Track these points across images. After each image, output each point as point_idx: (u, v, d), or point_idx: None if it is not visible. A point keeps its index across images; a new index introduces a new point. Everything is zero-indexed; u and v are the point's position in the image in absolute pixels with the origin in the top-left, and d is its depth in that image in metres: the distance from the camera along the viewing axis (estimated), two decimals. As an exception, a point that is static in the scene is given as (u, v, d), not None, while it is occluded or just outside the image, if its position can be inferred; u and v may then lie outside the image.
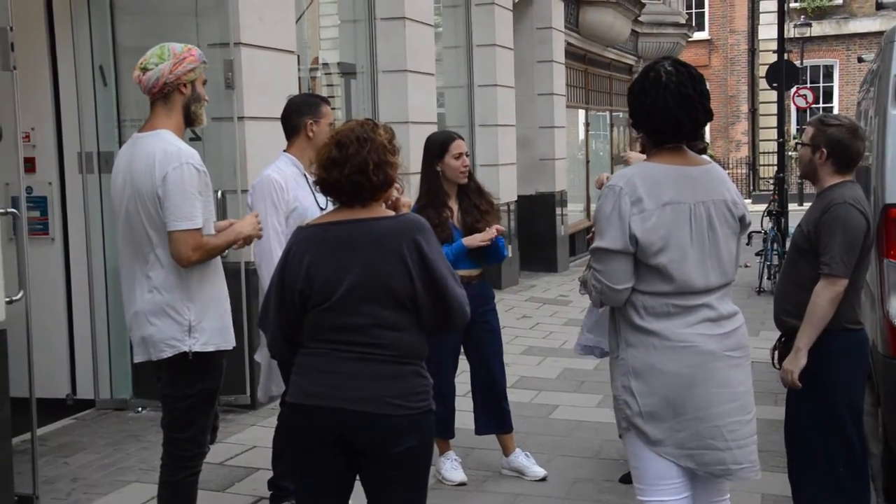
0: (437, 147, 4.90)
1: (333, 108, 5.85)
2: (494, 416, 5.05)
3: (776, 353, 3.96)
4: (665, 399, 2.97)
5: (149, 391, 6.01)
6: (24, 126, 5.74)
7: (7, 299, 4.42)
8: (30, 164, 6.26)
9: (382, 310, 2.91)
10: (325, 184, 3.01)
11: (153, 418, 5.96)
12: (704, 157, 3.72)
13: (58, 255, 6.47)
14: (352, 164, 2.92)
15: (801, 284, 3.78)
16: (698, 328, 2.99)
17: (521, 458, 5.10)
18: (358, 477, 3.06)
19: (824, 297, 3.68)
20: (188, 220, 3.44)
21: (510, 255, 11.82)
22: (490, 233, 4.79)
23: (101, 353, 6.44)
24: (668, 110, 2.96)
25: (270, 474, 4.54)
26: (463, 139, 4.99)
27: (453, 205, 4.92)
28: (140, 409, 6.30)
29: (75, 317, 6.50)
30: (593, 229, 3.25)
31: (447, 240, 4.67)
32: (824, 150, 3.81)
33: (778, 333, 4.01)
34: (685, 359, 2.96)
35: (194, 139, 5.91)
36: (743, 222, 3.11)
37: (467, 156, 4.93)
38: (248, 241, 3.76)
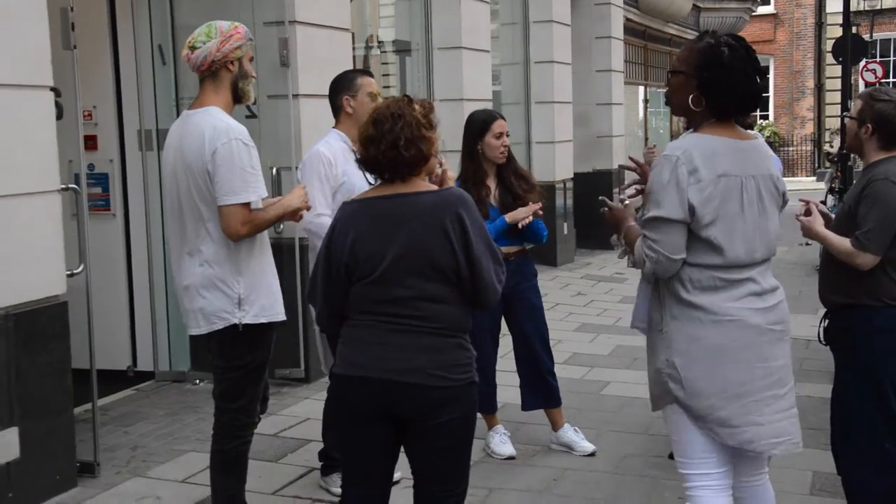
0: (478, 126, 4.92)
1: (388, 87, 5.89)
2: (540, 391, 5.07)
3: (822, 329, 3.93)
4: (709, 373, 2.97)
5: (206, 364, 6.08)
6: (85, 104, 5.89)
7: (68, 272, 4.57)
8: (91, 142, 6.40)
9: (426, 282, 2.95)
10: (365, 160, 3.07)
11: (210, 390, 6.04)
12: (751, 131, 3.71)
13: (119, 231, 6.63)
14: (386, 141, 2.97)
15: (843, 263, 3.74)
16: (744, 302, 2.99)
17: (570, 434, 5.12)
18: (403, 447, 3.12)
19: (847, 255, 3.66)
20: (237, 194, 3.51)
21: (566, 232, 11.81)
22: (533, 207, 4.80)
23: (160, 327, 6.59)
24: (752, 85, 3.02)
25: (321, 446, 4.63)
26: (504, 119, 4.99)
27: (491, 183, 4.93)
28: (198, 381, 6.44)
29: (136, 291, 6.65)
30: (625, 199, 3.28)
31: (484, 217, 4.69)
32: (870, 125, 3.76)
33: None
34: (731, 333, 2.97)
35: (250, 116, 6.01)
36: (784, 198, 3.14)
37: (508, 136, 4.94)
38: (296, 214, 3.81)
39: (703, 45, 3.04)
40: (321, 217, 4.16)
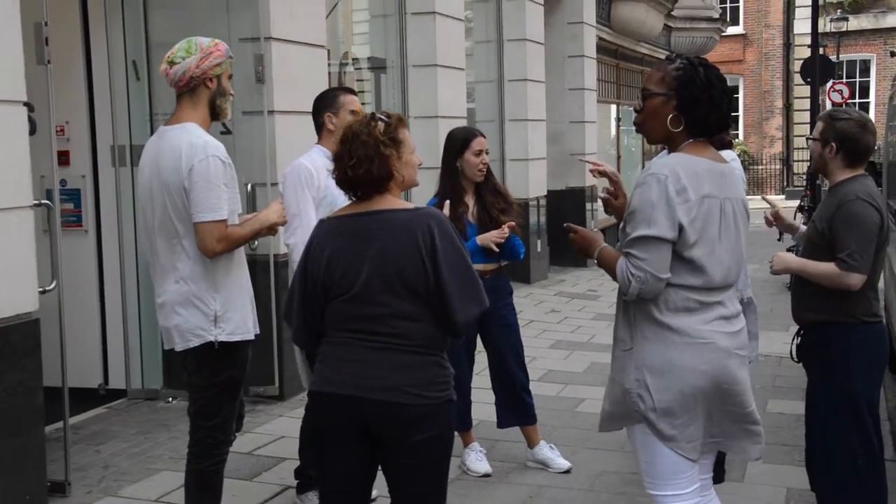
0: (458, 143, 4.93)
1: (364, 104, 5.90)
2: (515, 409, 5.07)
3: (794, 346, 3.97)
4: (682, 395, 2.96)
5: (179, 381, 6.07)
6: (58, 120, 5.84)
7: (40, 289, 4.52)
8: (63, 158, 6.35)
9: (398, 300, 2.95)
10: (336, 179, 3.09)
11: (183, 408, 5.99)
12: (729, 156, 3.74)
13: (91, 247, 6.57)
14: (348, 159, 3.00)
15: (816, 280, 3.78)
16: (714, 325, 3.00)
17: (545, 451, 5.12)
18: (380, 465, 3.10)
19: (836, 278, 3.69)
20: (213, 211, 3.49)
21: (539, 250, 11.85)
22: (503, 231, 4.80)
23: (132, 344, 6.53)
24: (730, 102, 3.06)
25: (297, 464, 4.60)
26: (485, 137, 5.00)
27: (469, 201, 4.94)
28: (171, 399, 6.38)
29: (108, 308, 6.59)
30: (594, 226, 3.28)
31: (461, 235, 4.70)
32: (834, 144, 3.81)
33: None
34: (704, 355, 2.97)
35: (225, 133, 5.98)
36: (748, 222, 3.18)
37: (487, 154, 4.95)
38: (273, 229, 3.80)
39: (678, 64, 3.03)
40: (301, 228, 4.17)
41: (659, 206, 2.89)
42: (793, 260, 3.89)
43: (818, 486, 3.93)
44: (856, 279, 3.68)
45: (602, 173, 3.47)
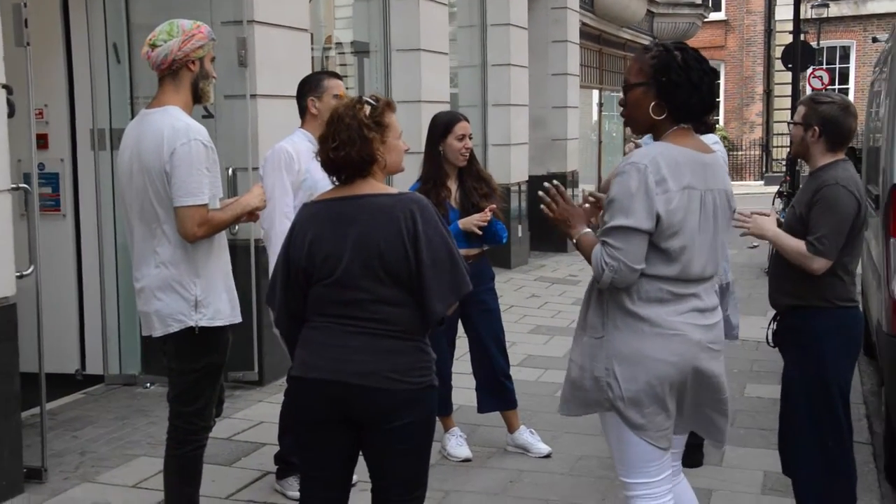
0: (441, 127, 4.92)
1: (347, 88, 5.88)
2: (495, 393, 5.08)
3: (771, 331, 3.99)
4: (649, 385, 2.95)
5: (157, 367, 6.07)
6: (37, 102, 5.78)
7: (17, 274, 4.48)
8: (42, 141, 6.30)
9: (380, 285, 2.94)
10: (321, 160, 3.07)
11: (161, 394, 5.97)
12: (711, 141, 3.73)
13: (69, 232, 6.52)
14: (332, 141, 2.99)
15: (794, 265, 3.79)
16: (687, 317, 2.98)
17: (525, 435, 5.13)
18: (361, 451, 3.10)
19: (801, 258, 3.71)
20: (194, 195, 3.47)
21: (520, 235, 11.85)
22: (485, 215, 4.79)
23: (110, 329, 6.50)
24: (710, 86, 3.01)
25: (277, 449, 4.59)
26: (468, 121, 4.99)
27: (452, 186, 4.93)
28: (149, 384, 6.36)
29: (85, 293, 6.56)
30: (585, 202, 3.27)
31: (443, 219, 4.69)
32: (816, 127, 3.80)
33: None
34: (674, 347, 2.95)
35: (207, 116, 5.88)
36: (734, 214, 3.17)
37: (470, 138, 4.94)
38: (254, 214, 3.78)
39: (654, 52, 3.01)
40: (277, 213, 4.18)
41: (637, 196, 2.87)
42: (769, 228, 3.85)
43: (789, 469, 3.97)
44: (819, 263, 3.69)
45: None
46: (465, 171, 4.95)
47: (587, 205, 3.31)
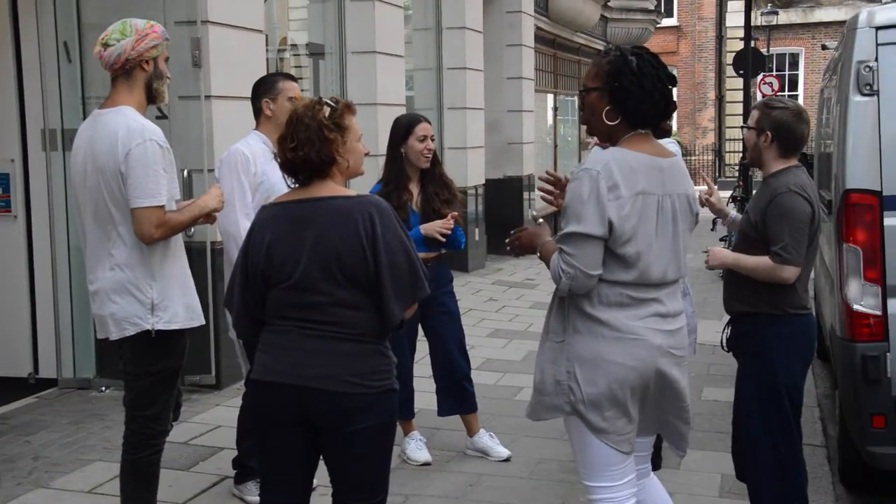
0: (402, 128, 4.90)
1: (302, 90, 5.85)
2: (456, 396, 5.07)
3: (725, 336, 4.03)
4: (609, 389, 2.96)
5: (112, 370, 5.98)
6: (-15, 102, 5.67)
7: (-32, 276, 4.39)
8: (-9, 141, 6.19)
9: (339, 288, 2.92)
10: (279, 161, 3.05)
11: (116, 397, 5.93)
12: (669, 144, 3.75)
13: (20, 233, 6.41)
14: (291, 141, 2.97)
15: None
16: (648, 322, 2.99)
17: (485, 439, 5.13)
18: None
19: (771, 272, 3.74)
20: (151, 196, 3.42)
21: (477, 238, 11.87)
22: (448, 222, 4.78)
23: (63, 332, 6.39)
24: (665, 89, 3.00)
25: (235, 454, 4.55)
26: (430, 123, 4.98)
27: (414, 189, 4.92)
28: (103, 388, 6.26)
29: (38, 295, 6.44)
30: (538, 216, 3.28)
31: (404, 223, 4.68)
32: (769, 132, 3.84)
33: None
34: (633, 351, 2.97)
35: (161, 117, 5.84)
36: (696, 218, 3.16)
37: (432, 140, 4.93)
38: (211, 215, 3.73)
39: (610, 57, 3.01)
40: (238, 214, 4.15)
41: (589, 203, 2.88)
42: (728, 255, 3.92)
43: (742, 473, 4.02)
44: (790, 272, 3.72)
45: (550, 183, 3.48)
46: (427, 175, 4.94)
47: (541, 220, 3.35)
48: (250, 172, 4.25)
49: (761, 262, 3.75)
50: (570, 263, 2.90)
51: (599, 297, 2.96)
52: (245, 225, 4.03)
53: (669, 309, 3.05)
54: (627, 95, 2.96)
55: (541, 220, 3.33)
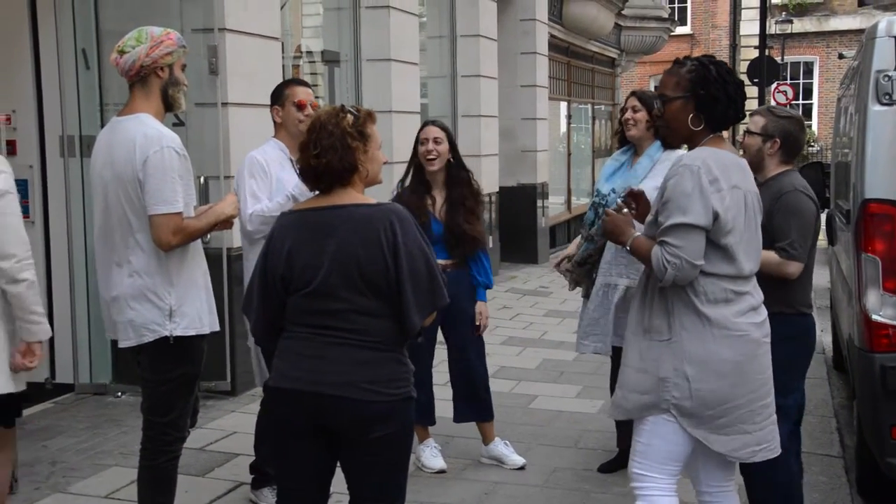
0: (417, 135, 4.97)
1: (317, 97, 5.88)
2: (474, 404, 5.06)
3: None
4: (718, 385, 3.06)
5: (128, 376, 6.00)
6: (4, 108, 5.71)
7: (-14, 281, 4.39)
8: (10, 147, 6.21)
9: (359, 296, 2.93)
10: (300, 168, 3.07)
11: (133, 403, 5.95)
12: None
13: (38, 239, 6.42)
14: (314, 148, 2.98)
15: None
16: (748, 316, 3.14)
17: (500, 447, 5.12)
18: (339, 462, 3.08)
19: (777, 267, 3.83)
20: (169, 203, 3.44)
21: (491, 246, 11.84)
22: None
23: (80, 338, 6.41)
24: (744, 97, 3.20)
25: (251, 459, 4.55)
26: (439, 127, 4.98)
27: (438, 196, 4.92)
28: (120, 393, 6.28)
29: (55, 301, 6.46)
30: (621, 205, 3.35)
31: (423, 226, 4.67)
32: (778, 139, 4.00)
33: None
34: (740, 347, 3.09)
35: (177, 124, 5.89)
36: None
37: (436, 143, 4.90)
38: (228, 222, 3.75)
39: (689, 67, 3.18)
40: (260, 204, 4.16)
41: (693, 195, 3.01)
42: None
43: (745, 468, 4.02)
44: (794, 268, 3.86)
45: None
46: (454, 178, 4.94)
47: (626, 210, 3.41)
48: (268, 175, 4.27)
49: (768, 256, 3.80)
50: (675, 254, 3.02)
51: (706, 294, 3.08)
52: (250, 204, 4.09)
53: (758, 300, 3.21)
54: (715, 102, 3.14)
55: (625, 210, 3.38)
